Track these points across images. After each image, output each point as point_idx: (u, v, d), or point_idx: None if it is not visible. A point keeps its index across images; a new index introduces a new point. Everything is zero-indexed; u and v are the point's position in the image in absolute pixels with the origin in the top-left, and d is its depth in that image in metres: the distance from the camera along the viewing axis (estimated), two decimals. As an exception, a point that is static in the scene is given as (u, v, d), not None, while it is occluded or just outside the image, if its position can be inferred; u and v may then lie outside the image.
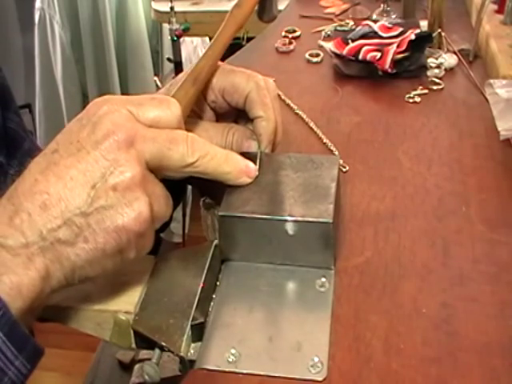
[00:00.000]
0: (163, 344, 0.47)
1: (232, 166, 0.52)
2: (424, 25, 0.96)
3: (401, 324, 0.50)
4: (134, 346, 0.50)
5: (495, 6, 0.95)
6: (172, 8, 1.85)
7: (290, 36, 1.02)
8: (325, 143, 0.74)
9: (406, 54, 0.86)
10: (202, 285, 0.51)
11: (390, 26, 0.94)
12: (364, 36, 0.92)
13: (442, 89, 0.84)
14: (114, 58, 2.06)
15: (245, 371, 0.47)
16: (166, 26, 1.98)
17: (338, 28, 1.04)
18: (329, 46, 0.94)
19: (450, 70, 0.88)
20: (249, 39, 1.18)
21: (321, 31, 1.04)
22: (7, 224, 0.42)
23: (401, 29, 0.91)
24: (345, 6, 1.13)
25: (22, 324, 0.41)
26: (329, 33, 1.03)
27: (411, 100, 0.82)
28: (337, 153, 0.71)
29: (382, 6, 1.07)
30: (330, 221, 0.52)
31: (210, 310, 0.52)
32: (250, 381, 0.47)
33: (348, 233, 0.60)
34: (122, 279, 0.51)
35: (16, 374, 0.41)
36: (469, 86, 0.85)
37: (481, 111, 0.78)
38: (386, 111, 0.81)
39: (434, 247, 0.58)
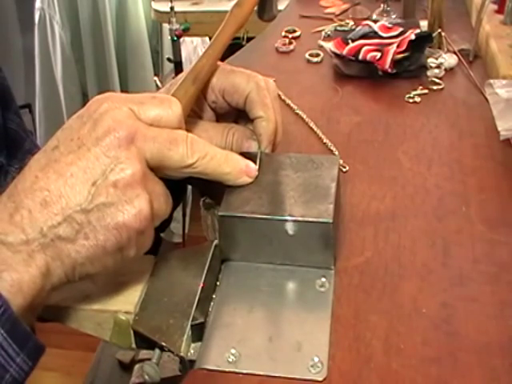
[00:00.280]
0: (163, 344, 0.47)
1: (232, 167, 0.52)
2: (424, 25, 0.96)
3: (401, 324, 0.50)
4: (134, 345, 0.50)
5: (495, 6, 0.95)
6: (172, 8, 1.85)
7: (290, 36, 1.02)
8: (325, 143, 0.74)
9: (406, 54, 0.86)
10: (201, 285, 0.51)
11: (390, 26, 0.94)
12: (364, 36, 0.92)
13: (442, 89, 0.84)
14: (114, 58, 2.06)
15: (245, 371, 0.47)
16: (166, 26, 1.98)
17: (338, 28, 1.04)
18: (329, 46, 0.94)
19: (450, 70, 0.88)
20: (249, 39, 1.18)
21: (321, 31, 1.04)
22: (7, 221, 0.42)
23: (401, 29, 0.91)
24: (345, 6, 1.13)
25: (23, 321, 0.41)
26: (329, 33, 1.03)
27: (411, 100, 0.82)
28: (337, 153, 0.71)
29: (381, 5, 1.07)
30: (330, 221, 0.52)
31: (210, 310, 0.52)
32: (250, 381, 0.47)
33: (348, 233, 0.60)
34: (121, 279, 0.52)
35: (17, 370, 0.41)
36: (469, 85, 0.85)
37: (481, 111, 0.78)
38: (385, 111, 0.81)
39: (433, 247, 0.58)
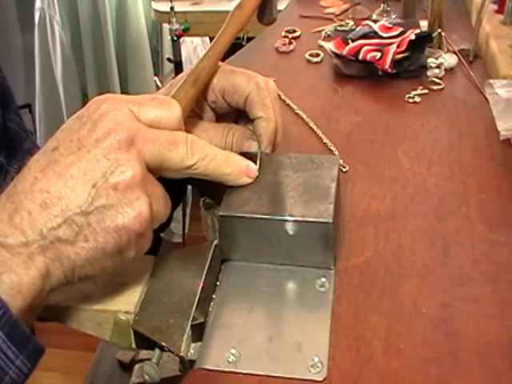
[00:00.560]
0: (163, 344, 0.47)
1: (232, 167, 0.52)
2: (424, 25, 0.96)
3: (401, 324, 0.50)
4: (134, 345, 0.50)
5: (495, 6, 0.95)
6: (172, 8, 1.85)
7: (290, 36, 1.03)
8: (325, 143, 0.74)
9: (406, 54, 0.86)
10: (201, 285, 0.51)
11: (390, 26, 0.94)
12: (364, 36, 0.92)
13: (442, 89, 0.84)
14: (114, 58, 2.06)
15: (245, 371, 0.47)
16: (166, 26, 1.98)
17: (338, 28, 1.04)
18: (329, 45, 0.94)
19: (450, 70, 0.88)
20: (249, 39, 1.18)
21: (321, 31, 1.04)
22: (7, 222, 0.42)
23: (401, 29, 0.91)
24: (345, 6, 1.13)
25: (22, 323, 0.41)
26: (329, 33, 1.03)
27: (411, 100, 0.82)
28: (337, 153, 0.71)
29: (382, 5, 1.07)
30: (330, 221, 0.52)
31: (210, 309, 0.52)
32: (250, 381, 0.47)
33: (348, 233, 0.60)
34: (122, 279, 0.51)
35: (17, 373, 0.41)
36: (469, 85, 0.85)
37: (481, 111, 0.78)
38: (385, 111, 0.81)
39: (434, 247, 0.58)
